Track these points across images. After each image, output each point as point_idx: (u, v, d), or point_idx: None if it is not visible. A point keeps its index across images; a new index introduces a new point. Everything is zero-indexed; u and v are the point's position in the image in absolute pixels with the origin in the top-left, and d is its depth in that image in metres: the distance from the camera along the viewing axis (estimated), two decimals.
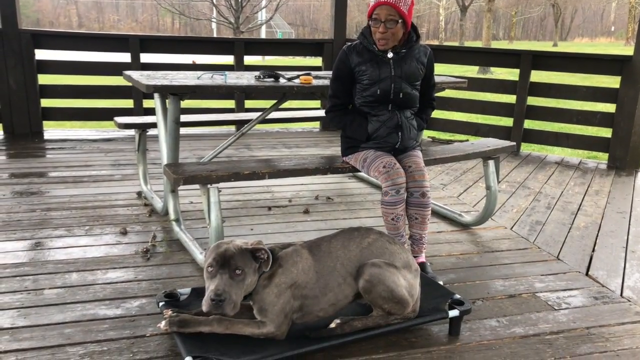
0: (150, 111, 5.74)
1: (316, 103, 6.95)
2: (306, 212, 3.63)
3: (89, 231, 3.14)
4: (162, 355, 1.99)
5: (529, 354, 2.10)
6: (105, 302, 2.35)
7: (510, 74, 15.63)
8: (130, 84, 3.25)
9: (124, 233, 3.13)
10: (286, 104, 3.69)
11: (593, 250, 3.19)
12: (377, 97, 2.71)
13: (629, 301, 2.57)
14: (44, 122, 5.84)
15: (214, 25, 30.84)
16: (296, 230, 3.30)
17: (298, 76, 3.29)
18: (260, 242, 1.98)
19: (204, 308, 1.87)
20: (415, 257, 2.69)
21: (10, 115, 5.60)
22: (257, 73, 3.36)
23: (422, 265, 2.63)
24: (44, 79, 5.78)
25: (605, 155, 5.60)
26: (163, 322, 1.96)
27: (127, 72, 3.29)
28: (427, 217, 2.67)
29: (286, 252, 2.04)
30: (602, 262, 3.02)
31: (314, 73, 3.51)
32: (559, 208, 3.97)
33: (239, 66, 6.22)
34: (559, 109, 5.98)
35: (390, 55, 2.70)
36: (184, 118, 3.65)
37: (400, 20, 2.60)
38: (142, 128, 3.69)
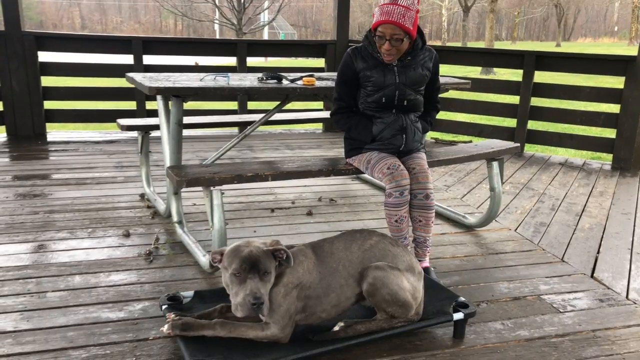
0: (153, 113, 5.74)
1: (319, 104, 6.94)
2: (309, 214, 3.62)
3: (91, 233, 3.14)
4: (165, 358, 1.98)
5: (535, 357, 2.08)
6: (108, 305, 2.34)
7: (514, 75, 15.60)
8: (133, 85, 3.25)
9: (127, 235, 3.13)
10: (289, 106, 3.67)
11: (598, 252, 3.17)
12: (382, 104, 2.70)
13: (635, 303, 2.55)
14: (47, 124, 5.83)
15: (216, 27, 30.83)
16: (299, 232, 3.29)
17: (301, 77, 3.28)
18: (278, 242, 1.99)
19: (241, 313, 1.84)
20: (419, 261, 2.67)
21: (14, 117, 5.60)
22: (260, 75, 3.35)
23: (426, 271, 2.61)
24: (47, 81, 5.78)
25: (610, 156, 5.57)
26: (166, 326, 1.95)
27: (130, 74, 3.29)
28: (431, 220, 2.65)
29: (292, 252, 2.03)
30: (607, 264, 3.00)
31: (316, 74, 3.50)
32: (563, 209, 3.95)
33: (242, 67, 6.21)
34: (563, 110, 5.96)
35: (395, 62, 2.68)
36: (186, 120, 3.65)
37: (406, 37, 2.58)
38: (145, 130, 3.69)
